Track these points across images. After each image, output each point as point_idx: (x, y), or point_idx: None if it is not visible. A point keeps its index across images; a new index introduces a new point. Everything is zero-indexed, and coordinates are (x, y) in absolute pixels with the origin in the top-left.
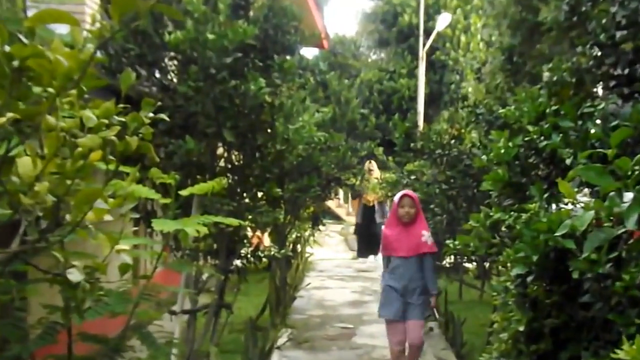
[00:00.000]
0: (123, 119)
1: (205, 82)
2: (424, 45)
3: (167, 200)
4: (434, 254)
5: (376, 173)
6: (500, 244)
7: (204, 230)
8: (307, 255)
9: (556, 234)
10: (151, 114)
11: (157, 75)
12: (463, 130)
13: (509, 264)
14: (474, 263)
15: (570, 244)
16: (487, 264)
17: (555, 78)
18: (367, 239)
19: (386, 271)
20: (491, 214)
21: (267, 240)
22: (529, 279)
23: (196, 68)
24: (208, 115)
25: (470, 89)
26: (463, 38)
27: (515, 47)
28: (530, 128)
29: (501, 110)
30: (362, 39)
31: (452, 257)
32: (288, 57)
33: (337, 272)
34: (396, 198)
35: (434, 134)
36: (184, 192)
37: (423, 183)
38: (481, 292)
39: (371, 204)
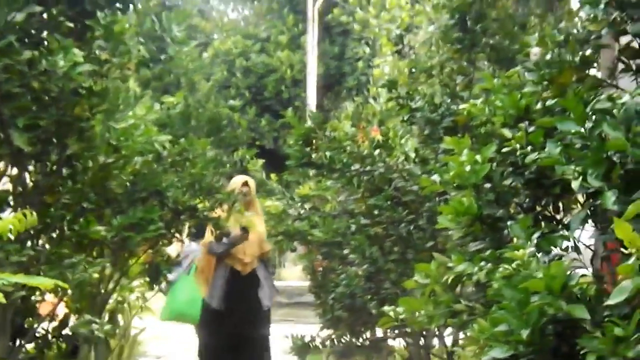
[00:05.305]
0: None
1: None
2: None
3: None
4: None
5: (256, 204)
6: (467, 311)
7: None
8: (135, 331)
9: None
10: None
11: None
12: (391, 135)
13: (480, 343)
14: (406, 340)
15: (582, 312)
16: (423, 341)
17: (549, 56)
18: None
19: None
20: (450, 264)
21: (61, 308)
22: None
23: None
24: None
25: (386, 69)
26: None
27: (469, 7)
28: (506, 133)
29: (462, 106)
30: None
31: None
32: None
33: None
34: None
35: (346, 140)
36: None
37: (326, 215)
38: None
39: (246, 268)
